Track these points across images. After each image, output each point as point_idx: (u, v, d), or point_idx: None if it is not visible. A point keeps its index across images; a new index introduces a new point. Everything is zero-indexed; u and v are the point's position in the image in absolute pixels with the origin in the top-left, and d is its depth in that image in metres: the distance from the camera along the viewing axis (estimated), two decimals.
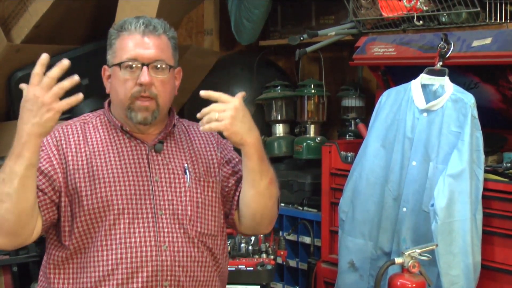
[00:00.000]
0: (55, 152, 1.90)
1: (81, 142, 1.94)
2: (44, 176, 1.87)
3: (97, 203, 1.87)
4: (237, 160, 2.09)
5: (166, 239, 1.90)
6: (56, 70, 1.68)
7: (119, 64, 1.90)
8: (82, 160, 1.91)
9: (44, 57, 1.67)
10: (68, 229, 1.89)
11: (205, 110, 1.84)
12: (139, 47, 1.90)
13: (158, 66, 1.91)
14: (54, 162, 1.89)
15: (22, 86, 1.70)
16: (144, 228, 1.89)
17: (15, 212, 1.74)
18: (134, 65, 1.89)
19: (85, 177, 1.89)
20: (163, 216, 1.92)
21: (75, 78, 1.69)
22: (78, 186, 1.88)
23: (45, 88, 1.67)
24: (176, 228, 1.92)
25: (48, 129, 1.71)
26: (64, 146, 1.92)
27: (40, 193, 1.85)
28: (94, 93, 3.24)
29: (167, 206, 1.93)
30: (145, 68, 1.88)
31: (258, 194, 1.97)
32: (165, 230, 1.91)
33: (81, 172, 1.89)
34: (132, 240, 1.87)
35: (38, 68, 1.67)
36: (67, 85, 1.68)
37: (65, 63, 1.68)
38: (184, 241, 1.93)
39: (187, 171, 1.99)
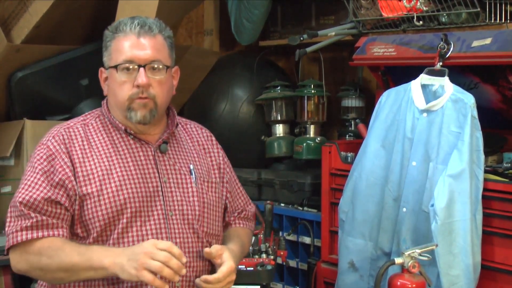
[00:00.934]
0: (66, 160, 1.89)
1: (86, 146, 1.93)
2: (60, 188, 1.86)
3: (111, 207, 1.86)
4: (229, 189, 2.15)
5: (178, 240, 1.90)
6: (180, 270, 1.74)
7: (115, 67, 1.90)
8: (90, 165, 1.90)
9: (184, 261, 1.76)
10: (81, 235, 1.88)
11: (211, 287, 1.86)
12: (135, 48, 1.89)
13: (155, 66, 1.91)
14: (67, 170, 1.88)
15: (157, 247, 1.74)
16: (157, 229, 1.89)
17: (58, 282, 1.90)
18: (130, 67, 1.89)
19: (95, 181, 1.88)
20: (173, 217, 1.92)
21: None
22: (90, 192, 1.86)
23: (164, 259, 1.71)
24: (186, 228, 1.93)
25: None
26: (70, 150, 1.91)
27: (63, 210, 1.86)
28: (94, 93, 3.25)
29: (176, 207, 1.93)
30: (141, 69, 1.88)
31: None
32: (176, 231, 1.91)
33: (91, 177, 1.88)
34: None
35: (177, 252, 1.74)
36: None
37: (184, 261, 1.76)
38: (194, 241, 1.93)
39: (193, 171, 1.99)
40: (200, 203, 1.97)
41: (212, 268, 1.98)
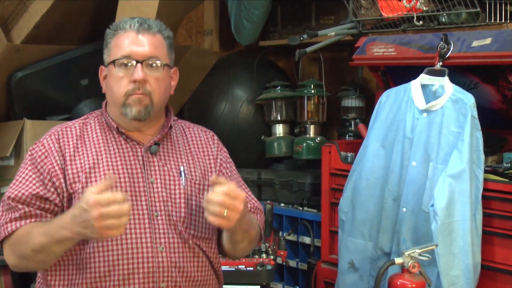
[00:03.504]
0: (57, 158, 1.91)
1: (79, 145, 1.94)
2: (51, 185, 1.88)
3: None
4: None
5: (162, 240, 1.90)
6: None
7: (113, 62, 1.91)
8: (80, 164, 1.91)
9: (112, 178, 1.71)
10: None
11: (214, 199, 1.77)
12: (133, 44, 1.90)
13: (152, 63, 1.91)
14: (57, 168, 1.89)
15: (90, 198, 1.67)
16: (140, 229, 1.89)
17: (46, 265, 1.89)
18: (128, 63, 1.89)
19: (82, 180, 1.89)
20: (159, 218, 1.91)
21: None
22: (76, 190, 1.87)
23: (116, 214, 1.67)
24: (171, 229, 1.92)
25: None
26: (63, 148, 1.93)
27: (52, 206, 1.88)
28: (94, 93, 3.26)
29: (162, 207, 1.93)
30: (138, 65, 1.88)
31: (236, 249, 2.04)
32: (161, 231, 1.91)
33: (80, 175, 1.89)
34: (129, 241, 1.87)
35: (119, 197, 1.67)
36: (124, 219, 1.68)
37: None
38: (180, 242, 1.92)
39: (183, 174, 1.98)
40: (187, 205, 1.96)
41: (201, 269, 1.98)
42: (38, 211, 1.87)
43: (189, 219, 1.95)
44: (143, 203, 1.91)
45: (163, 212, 1.92)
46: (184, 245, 1.93)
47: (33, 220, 1.86)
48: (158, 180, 1.95)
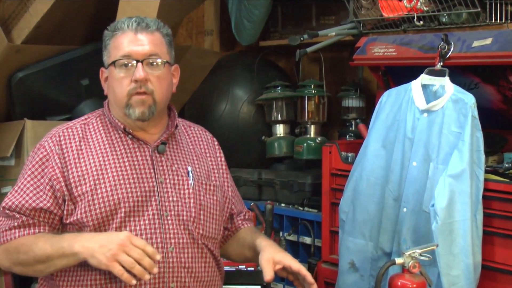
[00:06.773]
0: (58, 161, 1.91)
1: (82, 146, 1.94)
2: (47, 191, 1.89)
3: (105, 207, 1.87)
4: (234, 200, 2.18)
5: (172, 240, 1.90)
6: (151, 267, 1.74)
7: (114, 63, 1.91)
8: (86, 165, 1.91)
9: (158, 258, 1.75)
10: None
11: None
12: (132, 44, 1.91)
13: (153, 62, 1.91)
14: (57, 171, 1.90)
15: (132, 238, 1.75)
16: (151, 229, 1.89)
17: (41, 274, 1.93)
18: (128, 63, 1.89)
19: (90, 181, 1.88)
20: (169, 218, 1.92)
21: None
22: (85, 192, 1.87)
23: (138, 257, 1.71)
24: (181, 229, 1.93)
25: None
26: (65, 151, 1.93)
27: (47, 214, 1.89)
28: (94, 93, 3.26)
29: (172, 207, 1.93)
30: (139, 64, 1.89)
31: (242, 260, 2.17)
32: (171, 231, 1.91)
33: (86, 177, 1.89)
34: None
35: (150, 250, 1.74)
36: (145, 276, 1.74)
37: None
38: (189, 242, 1.93)
39: (190, 173, 1.99)
40: (197, 205, 1.97)
41: (208, 269, 1.98)
42: (35, 220, 1.88)
43: (198, 218, 1.96)
44: (153, 203, 1.91)
45: (172, 212, 1.92)
46: (193, 245, 1.93)
47: (32, 230, 1.87)
48: (168, 180, 1.95)
